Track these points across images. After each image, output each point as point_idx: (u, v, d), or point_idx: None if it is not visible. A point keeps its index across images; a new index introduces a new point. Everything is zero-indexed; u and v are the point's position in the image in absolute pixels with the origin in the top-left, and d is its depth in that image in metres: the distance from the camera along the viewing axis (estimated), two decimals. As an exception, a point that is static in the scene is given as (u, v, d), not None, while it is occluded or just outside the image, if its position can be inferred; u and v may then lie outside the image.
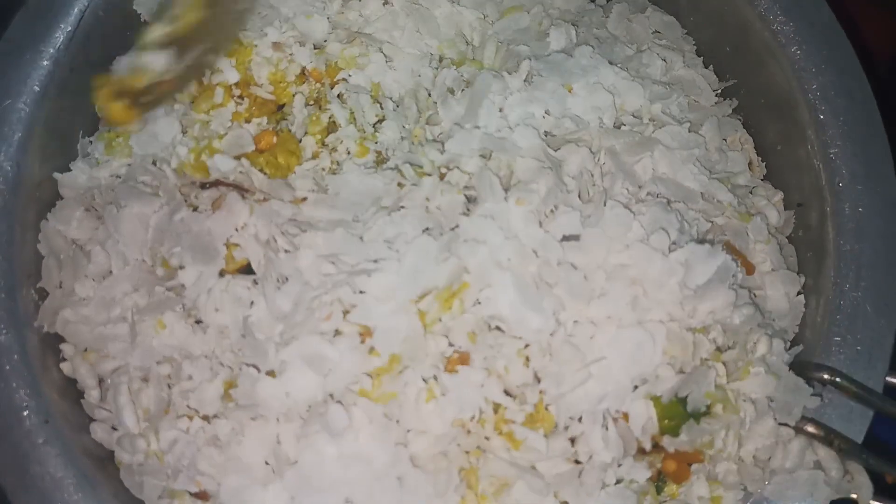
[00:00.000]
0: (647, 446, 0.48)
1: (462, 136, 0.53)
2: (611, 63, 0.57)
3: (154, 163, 0.54)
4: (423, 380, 0.47)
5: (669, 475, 0.50)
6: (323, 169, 0.53)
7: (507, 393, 0.48)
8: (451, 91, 0.56)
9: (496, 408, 0.48)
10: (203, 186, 0.51)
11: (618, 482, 0.48)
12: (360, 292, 0.47)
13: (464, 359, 0.48)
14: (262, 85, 0.55)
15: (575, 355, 0.47)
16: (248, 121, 0.55)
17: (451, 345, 0.48)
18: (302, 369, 0.47)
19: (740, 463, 0.50)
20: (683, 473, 0.50)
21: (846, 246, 0.53)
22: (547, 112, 0.54)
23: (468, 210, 0.50)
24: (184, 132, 0.54)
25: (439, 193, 0.50)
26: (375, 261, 0.48)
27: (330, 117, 0.54)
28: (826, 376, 0.50)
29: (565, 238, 0.49)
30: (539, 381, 0.48)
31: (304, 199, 0.51)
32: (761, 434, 0.50)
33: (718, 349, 0.51)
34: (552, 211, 0.50)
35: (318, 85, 0.55)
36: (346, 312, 0.47)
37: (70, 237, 0.54)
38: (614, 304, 0.48)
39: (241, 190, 0.51)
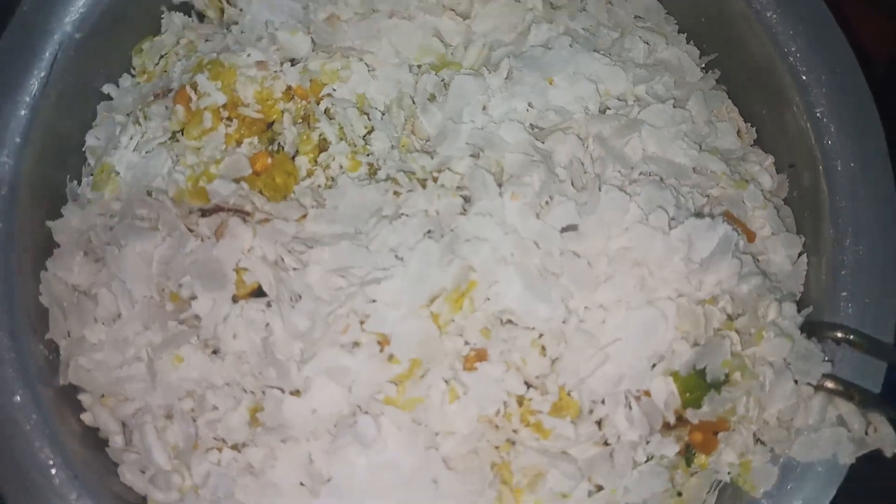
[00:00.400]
0: (672, 421, 0.49)
1: (450, 138, 0.53)
2: (594, 50, 0.56)
3: (149, 194, 0.53)
4: (445, 381, 0.47)
5: (697, 446, 0.50)
6: (318, 186, 0.53)
7: (527, 384, 0.48)
8: (433, 97, 0.55)
9: (520, 400, 0.48)
10: (203, 214, 0.51)
11: (648, 459, 0.49)
12: (373, 301, 0.47)
13: (481, 355, 0.48)
14: (250, 104, 0.55)
15: (589, 341, 0.48)
16: (239, 142, 0.54)
17: (466, 343, 0.48)
18: (325, 384, 0.46)
19: (765, 426, 0.51)
20: (711, 443, 0.50)
21: (842, 202, 0.53)
22: (530, 105, 0.54)
23: (465, 210, 0.50)
24: (175, 162, 0.54)
25: (436, 197, 0.50)
26: (385, 269, 0.48)
27: (320, 135, 0.54)
28: (839, 335, 0.50)
29: (564, 229, 0.49)
30: (557, 369, 0.48)
31: (305, 215, 0.51)
32: (782, 396, 0.50)
33: (729, 317, 0.51)
34: (547, 202, 0.50)
35: (304, 103, 0.55)
36: (362, 322, 0.47)
37: (72, 283, 0.53)
38: (621, 288, 0.49)
39: (242, 213, 0.50)
